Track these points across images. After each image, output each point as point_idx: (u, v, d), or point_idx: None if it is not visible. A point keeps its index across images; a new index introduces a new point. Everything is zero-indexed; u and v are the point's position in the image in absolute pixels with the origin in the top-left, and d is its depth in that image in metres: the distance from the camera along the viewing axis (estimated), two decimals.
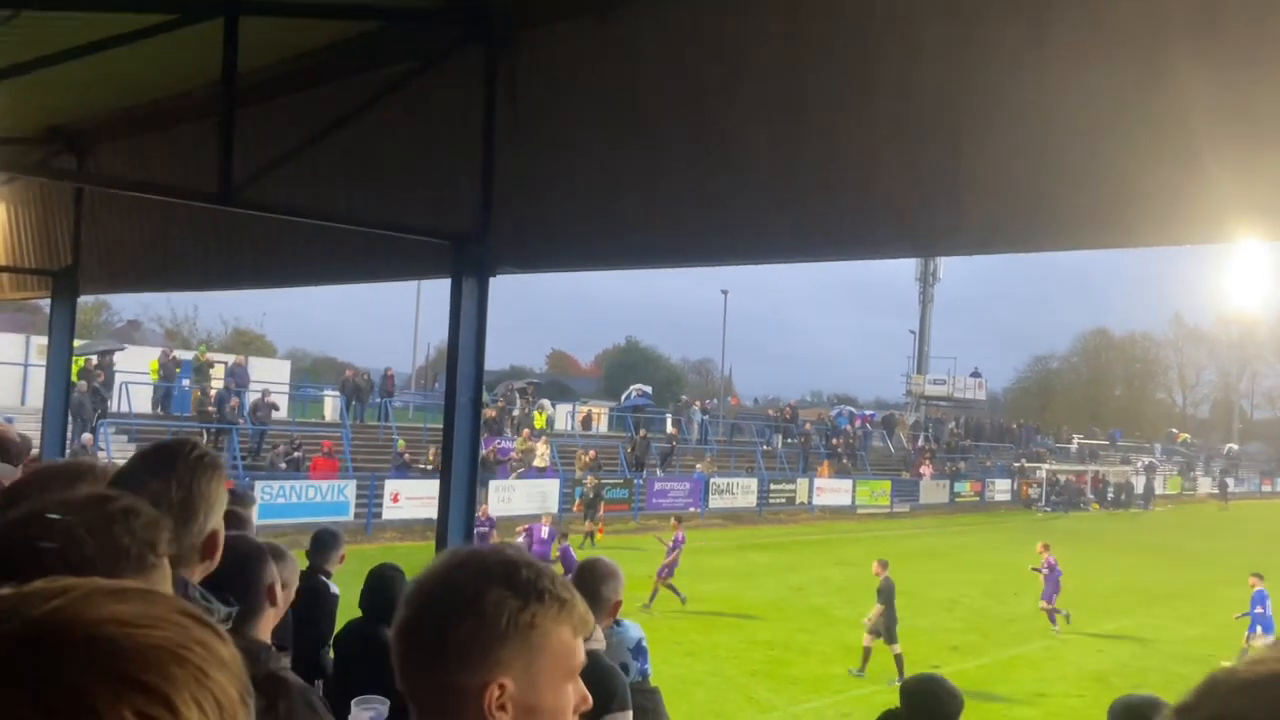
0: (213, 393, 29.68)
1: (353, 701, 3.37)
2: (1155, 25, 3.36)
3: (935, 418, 59.78)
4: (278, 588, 2.75)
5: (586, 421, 43.04)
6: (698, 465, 38.65)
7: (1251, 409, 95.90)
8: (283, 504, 24.90)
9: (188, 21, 5.31)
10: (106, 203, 8.99)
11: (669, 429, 42.83)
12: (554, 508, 28.21)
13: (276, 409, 31.12)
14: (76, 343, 11.60)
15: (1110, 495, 54.10)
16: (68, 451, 13.91)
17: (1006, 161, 3.73)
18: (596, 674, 2.99)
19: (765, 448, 44.90)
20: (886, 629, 15.51)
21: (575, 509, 30.00)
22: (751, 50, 4.49)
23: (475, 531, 7.14)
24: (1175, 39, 3.31)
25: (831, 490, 41.52)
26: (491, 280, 5.85)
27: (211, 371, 32.01)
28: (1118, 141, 3.45)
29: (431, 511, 6.48)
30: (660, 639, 14.24)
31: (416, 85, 5.92)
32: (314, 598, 5.76)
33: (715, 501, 36.75)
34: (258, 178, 5.81)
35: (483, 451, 7.40)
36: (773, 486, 39.72)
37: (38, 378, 15.26)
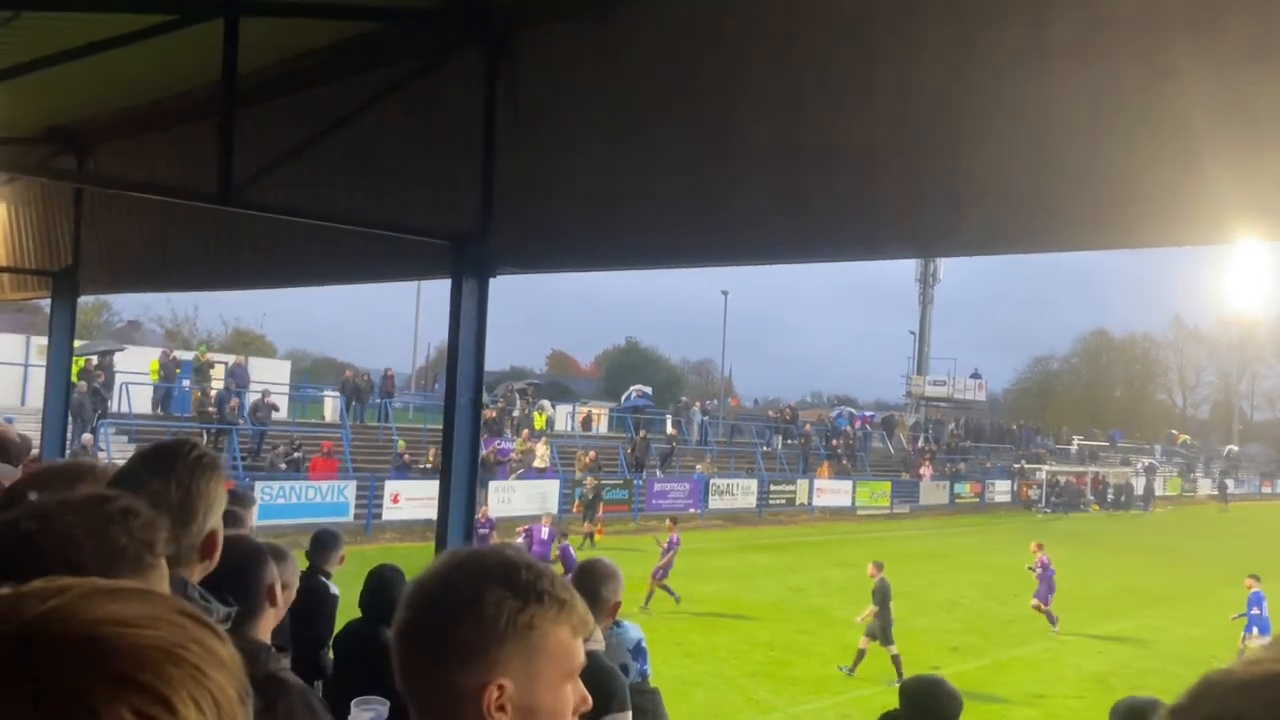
0: (213, 393, 29.68)
1: (353, 703, 3.37)
2: (1155, 25, 3.36)
3: (935, 419, 59.79)
4: (278, 588, 2.75)
5: (586, 422, 43.05)
6: (698, 466, 38.66)
7: (1251, 410, 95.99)
8: (283, 504, 24.91)
9: (188, 22, 5.31)
10: (106, 203, 8.99)
11: (669, 430, 42.83)
12: (554, 508, 28.21)
13: (276, 409, 31.13)
14: (77, 343, 11.60)
15: (1110, 496, 54.10)
16: (68, 452, 13.91)
17: (1006, 162, 3.73)
18: (596, 675, 2.99)
19: (765, 449, 44.92)
20: (882, 630, 15.51)
21: (575, 510, 30.01)
22: (751, 50, 4.49)
23: (476, 534, 7.14)
24: (1175, 39, 3.31)
25: (831, 491, 41.53)
26: (492, 281, 5.85)
27: (212, 372, 32.01)
28: (1118, 142, 3.45)
29: (431, 512, 6.48)
30: (660, 640, 14.25)
31: (417, 86, 5.92)
32: (314, 598, 5.76)
33: (715, 502, 36.75)
34: (258, 178, 5.81)
35: (482, 452, 7.40)
36: (773, 487, 39.72)
37: (38, 378, 15.26)
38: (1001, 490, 51.01)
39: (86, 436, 24.65)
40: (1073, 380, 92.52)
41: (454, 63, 5.77)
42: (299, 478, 27.08)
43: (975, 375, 63.02)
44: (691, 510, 35.65)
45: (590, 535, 27.58)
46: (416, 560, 2.10)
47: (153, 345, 40.75)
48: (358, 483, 27.94)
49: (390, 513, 27.53)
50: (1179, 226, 3.42)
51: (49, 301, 9.97)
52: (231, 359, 34.50)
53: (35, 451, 7.34)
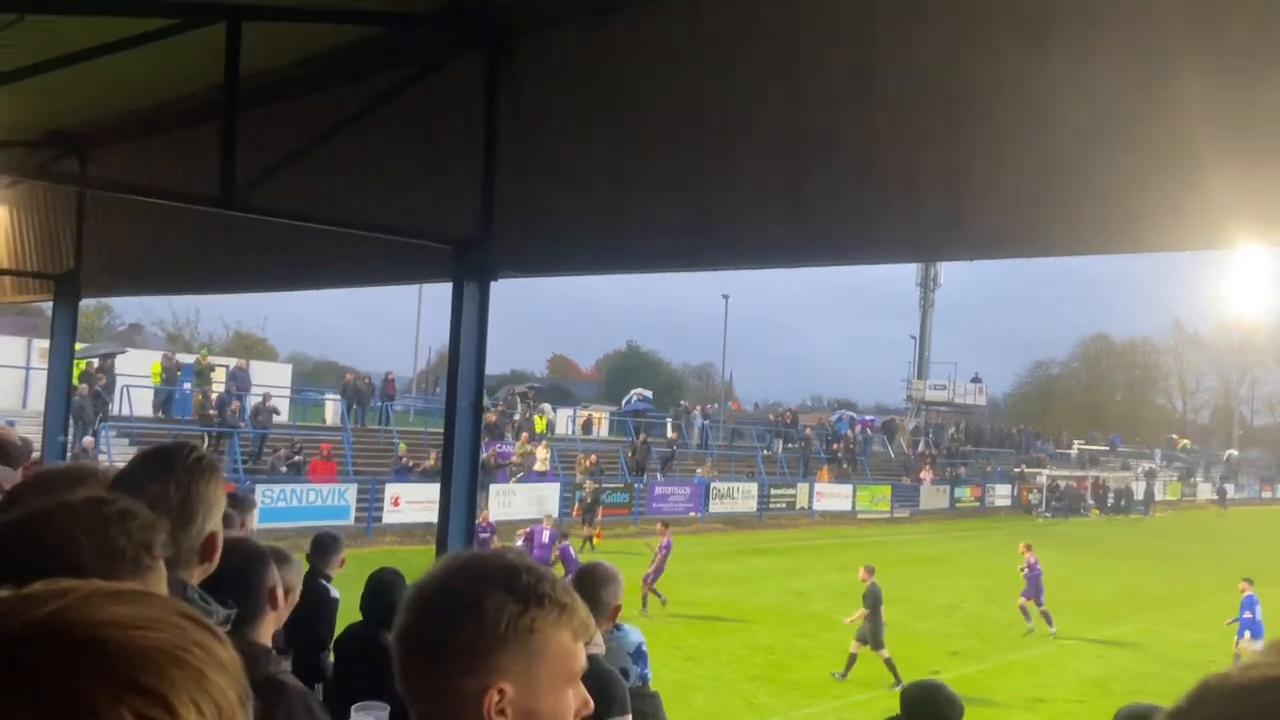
0: (214, 396, 29.68)
1: (353, 708, 3.37)
2: (1156, 32, 3.36)
3: (936, 423, 59.73)
4: (279, 591, 2.75)
5: (587, 426, 43.04)
6: (698, 470, 38.64)
7: (1252, 415, 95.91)
8: (283, 508, 24.89)
9: (190, 26, 5.32)
10: (108, 206, 9.00)
11: (669, 433, 42.80)
12: (554, 512, 28.20)
13: (277, 413, 31.12)
14: (78, 346, 11.60)
15: (1110, 501, 54.06)
16: (69, 455, 13.91)
17: (1007, 166, 3.74)
18: (596, 679, 2.99)
19: (765, 452, 44.89)
20: (873, 635, 15.47)
21: (574, 514, 30.00)
22: (751, 54, 4.50)
23: (477, 538, 7.14)
24: (1176, 45, 3.31)
25: (832, 495, 41.49)
26: (493, 284, 5.85)
27: (213, 375, 32.01)
28: (1118, 147, 3.45)
29: (431, 515, 6.48)
30: (660, 644, 14.24)
31: (417, 90, 5.93)
32: (314, 601, 5.75)
33: (715, 506, 36.72)
34: (259, 182, 5.82)
35: (483, 455, 7.40)
36: (773, 491, 39.69)
37: (39, 381, 15.26)
38: (1002, 494, 50.98)
39: (87, 439, 24.64)
40: (1073, 384, 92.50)
41: (454, 67, 5.78)
42: (300, 481, 27.07)
43: (976, 379, 62.97)
44: (692, 514, 35.63)
45: (589, 539, 27.55)
46: (417, 563, 2.10)
47: (154, 348, 40.73)
48: (358, 486, 27.94)
49: (391, 516, 27.52)
50: (1179, 231, 3.43)
51: (50, 304, 9.98)
52: (233, 362, 34.48)
53: (36, 454, 7.35)
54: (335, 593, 6.27)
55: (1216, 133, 3.22)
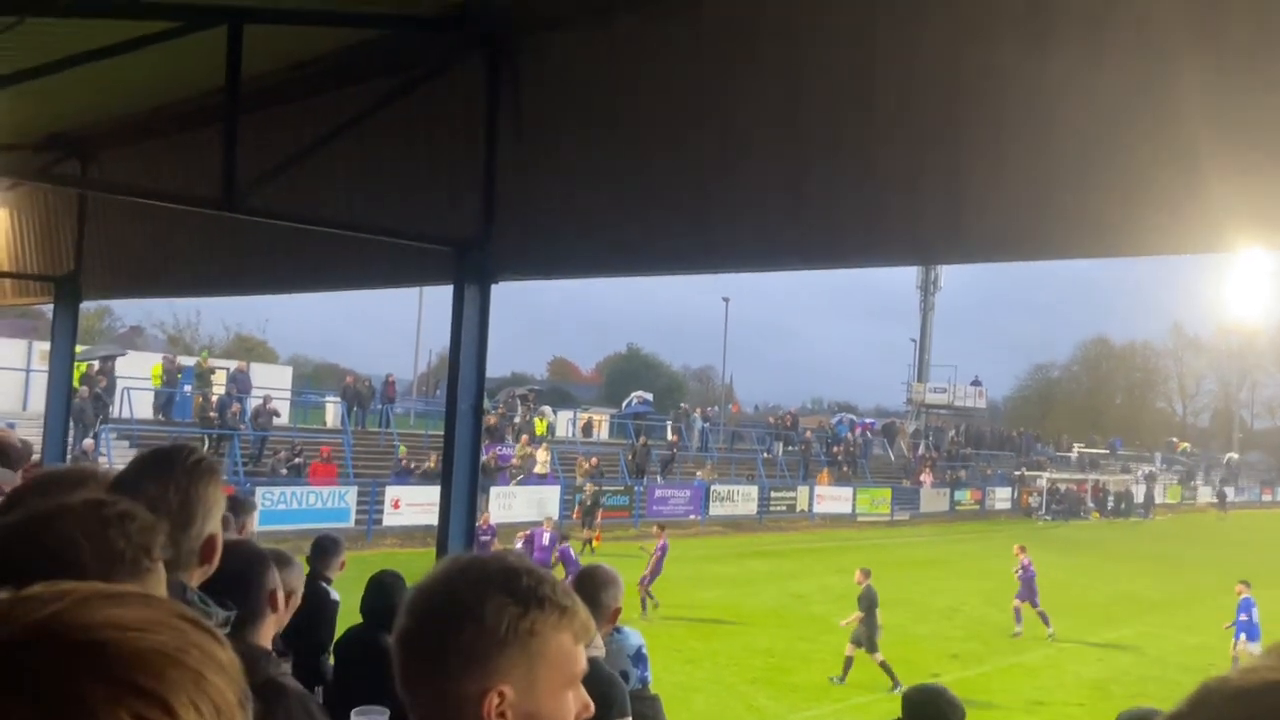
0: (214, 398, 29.69)
1: (353, 712, 3.37)
2: (1156, 35, 3.37)
3: (936, 426, 59.72)
4: (279, 593, 2.75)
5: (587, 428, 43.05)
6: (698, 472, 38.64)
7: (1252, 418, 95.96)
8: (284, 510, 24.91)
9: (191, 29, 5.33)
10: (109, 209, 9.00)
11: (670, 436, 42.81)
12: (555, 514, 28.19)
13: (278, 415, 31.13)
14: (78, 348, 11.60)
15: (1110, 504, 54.06)
16: (69, 457, 13.91)
17: (1008, 170, 3.74)
18: (596, 681, 2.99)
19: (766, 455, 44.89)
20: (868, 638, 15.46)
21: (574, 516, 30.00)
22: (752, 57, 4.50)
23: (477, 540, 7.14)
24: (1176, 48, 3.32)
25: (832, 498, 41.49)
26: (493, 287, 5.86)
27: (213, 377, 32.01)
28: (1119, 150, 3.46)
29: (432, 518, 6.48)
30: (660, 646, 14.23)
31: (418, 92, 5.94)
32: (314, 604, 5.75)
33: (716, 509, 36.72)
34: (260, 184, 5.82)
35: (483, 458, 7.39)
36: (773, 494, 39.68)
37: (40, 383, 15.26)
38: (1002, 497, 50.98)
39: (88, 442, 24.64)
40: (1073, 388, 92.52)
41: (456, 69, 5.78)
42: (300, 483, 27.08)
43: (976, 382, 62.96)
44: (692, 516, 35.63)
45: (589, 541, 27.54)
46: (417, 566, 2.10)
47: (154, 350, 40.74)
48: (358, 488, 27.94)
49: (391, 518, 27.52)
50: (1179, 234, 3.43)
51: (51, 307, 9.99)
52: (233, 364, 34.50)
53: (36, 456, 7.35)
54: (335, 595, 6.27)
55: (1216, 136, 3.22)
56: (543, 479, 32.34)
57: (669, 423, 45.22)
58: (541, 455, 33.12)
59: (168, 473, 2.30)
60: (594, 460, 34.58)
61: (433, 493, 7.29)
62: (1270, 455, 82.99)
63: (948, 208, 3.92)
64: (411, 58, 5.95)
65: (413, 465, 30.11)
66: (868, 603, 15.59)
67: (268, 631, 2.73)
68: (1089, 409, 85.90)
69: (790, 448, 46.35)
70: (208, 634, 0.82)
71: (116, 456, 24.30)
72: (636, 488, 34.61)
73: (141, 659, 0.75)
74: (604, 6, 5.07)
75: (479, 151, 5.71)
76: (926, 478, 47.73)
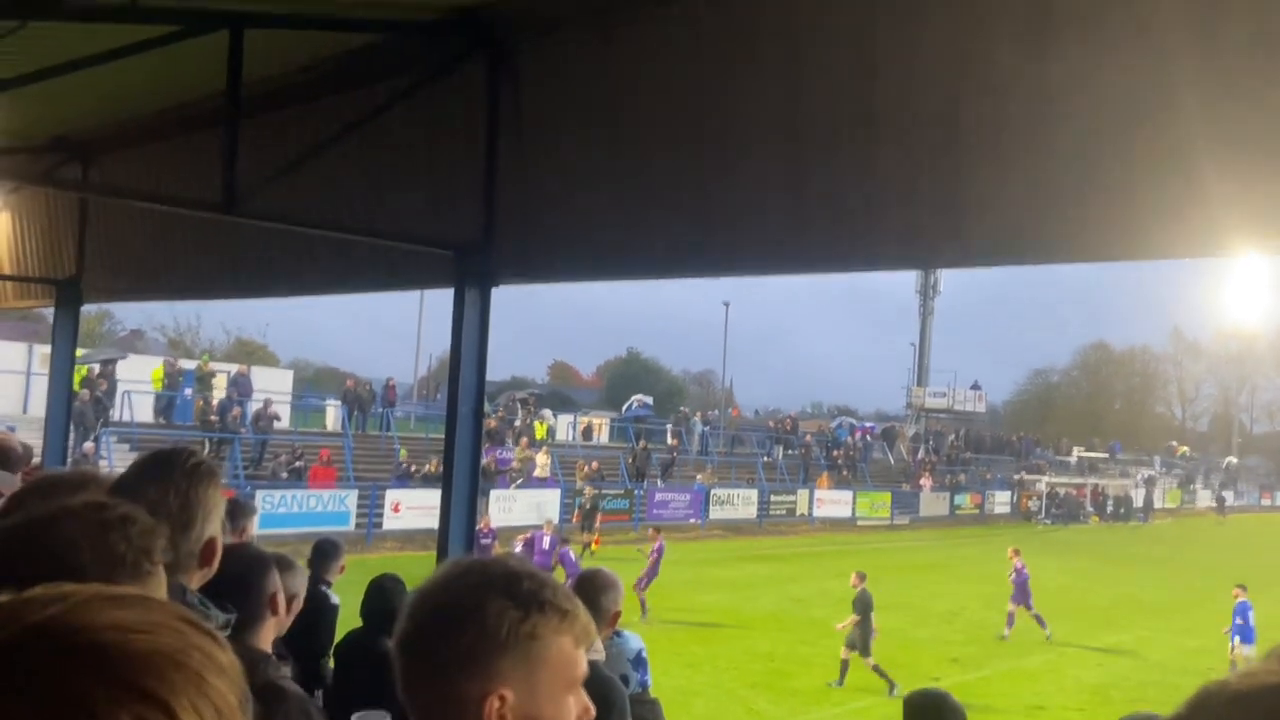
0: (215, 402, 29.69)
1: (354, 716, 3.36)
2: (1156, 40, 3.37)
3: (935, 430, 59.71)
4: (279, 597, 2.75)
5: (588, 432, 43.03)
6: (698, 476, 38.61)
7: (1251, 423, 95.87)
8: (284, 514, 24.88)
9: (193, 33, 5.33)
10: (111, 212, 9.01)
11: (670, 440, 42.80)
12: (555, 518, 28.18)
13: (278, 419, 31.12)
14: (79, 351, 11.61)
15: (1109, 508, 54.04)
16: (69, 460, 13.91)
17: (1007, 175, 3.75)
18: (596, 685, 2.99)
19: (766, 459, 44.87)
20: (862, 641, 15.43)
21: (574, 520, 29.98)
22: (753, 61, 4.51)
23: (478, 544, 7.14)
24: (1176, 53, 3.32)
25: (832, 502, 41.47)
26: (494, 290, 5.86)
27: (214, 381, 32.01)
28: (1118, 154, 3.46)
29: (432, 521, 6.47)
30: (660, 650, 14.22)
31: (420, 96, 5.94)
32: (314, 607, 5.74)
33: (716, 513, 36.69)
34: (261, 188, 5.83)
35: (483, 461, 7.39)
36: (773, 498, 39.66)
37: (40, 386, 15.27)
38: (1001, 501, 50.97)
39: (88, 445, 24.63)
40: (1072, 392, 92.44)
41: (456, 73, 5.79)
42: (300, 487, 27.07)
43: (975, 387, 62.96)
44: (692, 520, 35.61)
45: (587, 545, 27.52)
46: (417, 569, 2.10)
47: (155, 354, 40.72)
48: (359, 492, 27.92)
49: (391, 522, 27.50)
50: (1178, 239, 3.43)
51: (52, 310, 9.99)
52: (234, 368, 34.47)
53: (37, 460, 7.35)
54: (335, 599, 6.26)
55: (1216, 140, 3.22)
56: (543, 482, 32.33)
57: (669, 426, 45.22)
58: (541, 459, 33.11)
59: (168, 476, 2.30)
60: (594, 464, 34.57)
61: (433, 496, 7.28)
62: (1269, 459, 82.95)
63: (948, 212, 3.93)
64: (412, 62, 5.96)
65: (413, 469, 30.10)
66: (863, 606, 15.58)
67: (267, 635, 2.73)
68: (1088, 413, 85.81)
69: (790, 451, 46.34)
70: (209, 636, 0.82)
71: (117, 460, 24.29)
72: (636, 491, 34.60)
73: (143, 661, 0.75)
74: (604, 10, 5.08)
75: (479, 155, 5.71)
76: (926, 482, 47.73)
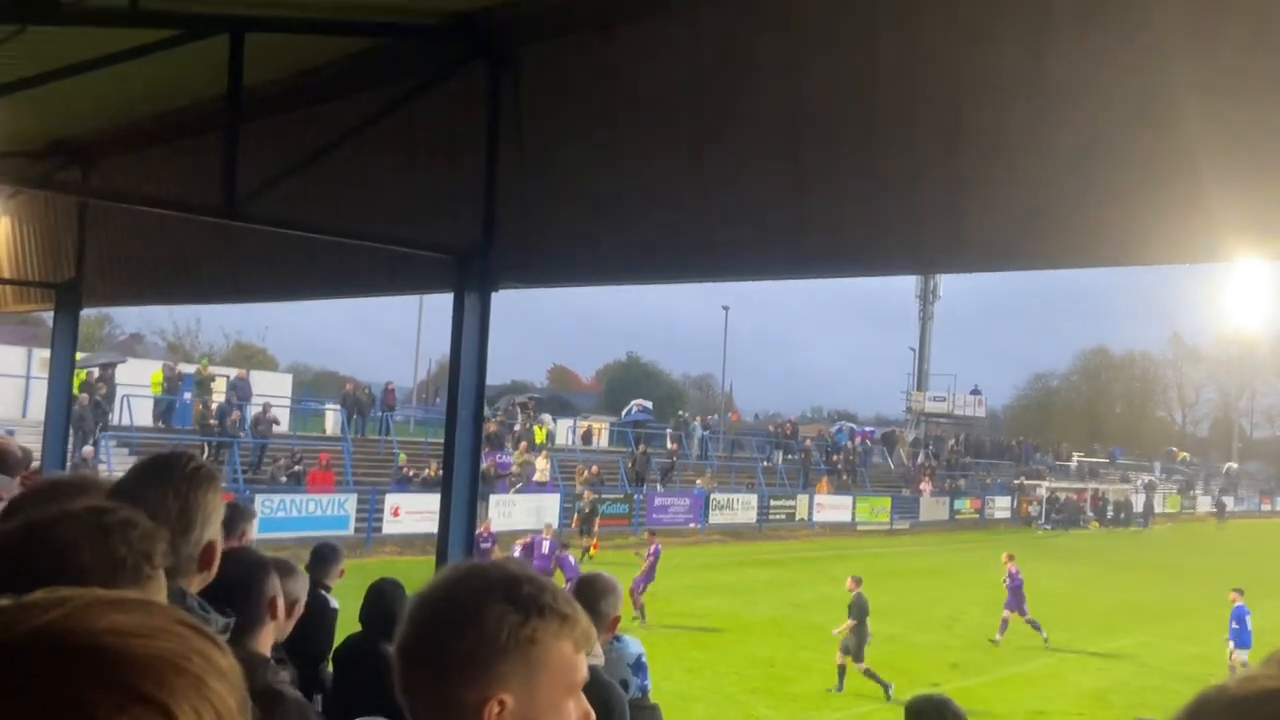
0: (214, 406, 29.68)
1: None
2: (1155, 45, 3.38)
3: (935, 435, 59.72)
4: (279, 601, 2.75)
5: (587, 436, 43.04)
6: (698, 481, 38.62)
7: (1251, 428, 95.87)
8: (283, 518, 24.87)
9: (193, 37, 5.34)
10: (110, 216, 9.01)
11: (669, 444, 42.79)
12: (554, 522, 28.17)
13: (278, 423, 31.13)
14: (78, 355, 11.60)
15: (1110, 513, 54.03)
16: (68, 464, 13.91)
17: (1007, 180, 3.75)
18: (595, 690, 2.99)
19: (765, 464, 44.87)
20: (856, 646, 15.43)
21: (573, 525, 29.97)
22: (753, 66, 4.51)
23: (478, 548, 7.13)
24: (1175, 58, 3.32)
25: (832, 507, 41.47)
26: (494, 295, 5.86)
27: (213, 385, 32.00)
28: (1117, 160, 3.46)
29: (431, 526, 6.47)
30: (660, 655, 14.21)
31: (420, 100, 5.95)
32: (313, 612, 5.73)
33: (715, 517, 36.69)
34: (261, 192, 5.83)
35: (482, 465, 7.39)
36: (773, 503, 39.67)
37: (39, 390, 15.28)
38: (1001, 506, 50.95)
39: (87, 449, 24.63)
40: (1073, 397, 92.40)
41: (457, 78, 5.79)
42: (299, 491, 27.06)
43: (975, 391, 62.97)
44: (692, 525, 35.61)
45: (585, 549, 27.50)
46: (416, 574, 2.10)
47: (154, 358, 40.76)
48: (358, 496, 27.91)
49: (390, 526, 27.49)
50: (1179, 244, 3.43)
51: (52, 314, 9.99)
52: (233, 372, 34.47)
53: (36, 464, 7.34)
54: (334, 603, 6.26)
55: (1216, 145, 3.23)
56: (542, 487, 32.31)
57: (669, 431, 45.20)
58: (541, 463, 33.10)
59: (167, 480, 2.30)
60: (594, 468, 34.57)
61: (432, 500, 7.27)
62: (1270, 465, 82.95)
63: (948, 217, 3.93)
64: (413, 66, 5.97)
65: (412, 473, 30.09)
66: (859, 610, 15.58)
67: (266, 639, 2.73)
68: (1088, 418, 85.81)
69: (790, 456, 46.33)
70: (209, 640, 0.82)
71: (116, 464, 24.28)
72: (636, 496, 34.59)
73: (144, 665, 0.75)
74: (604, 15, 5.08)
75: (480, 159, 5.72)
76: (926, 486, 47.71)
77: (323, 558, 6.44)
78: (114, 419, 28.50)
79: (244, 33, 5.26)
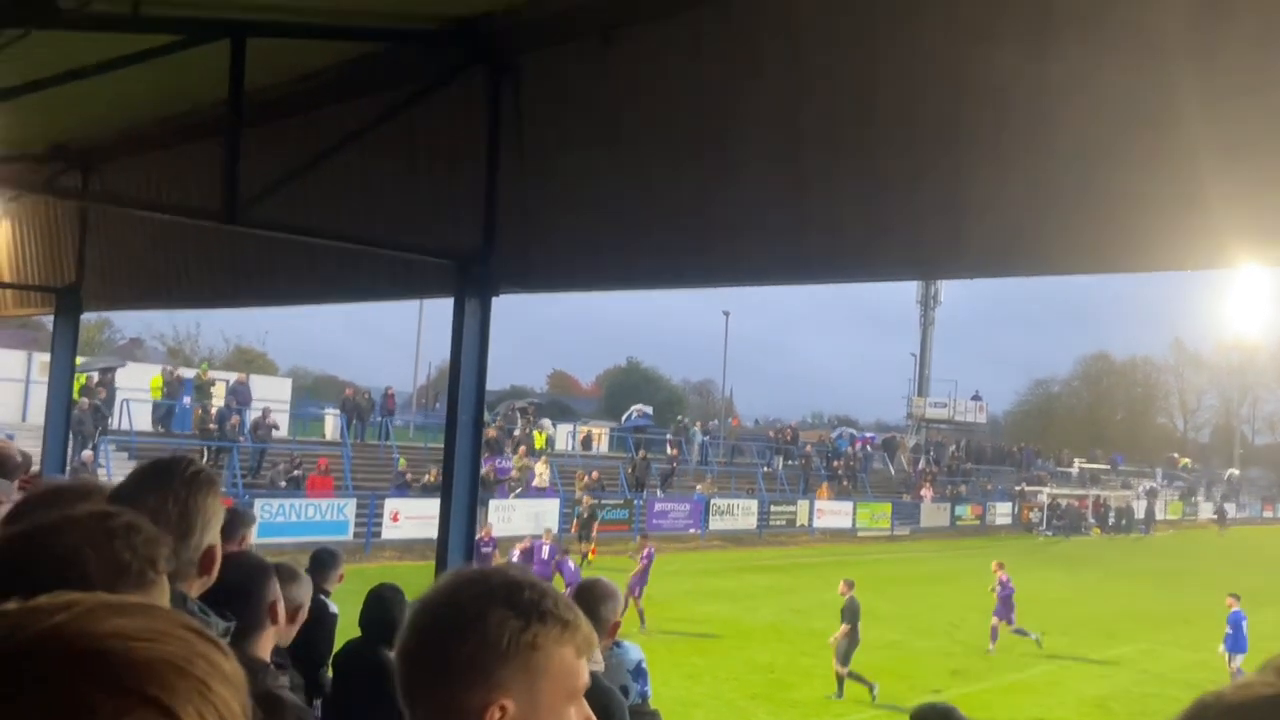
0: (214, 410, 29.68)
1: None
2: (1156, 50, 3.38)
3: (936, 440, 59.67)
4: (279, 605, 2.75)
5: (587, 442, 43.04)
6: (698, 486, 38.60)
7: (1253, 434, 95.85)
8: (282, 523, 24.86)
9: (194, 43, 5.35)
10: (111, 220, 9.02)
11: (669, 450, 42.76)
12: (554, 527, 28.14)
13: (277, 427, 31.12)
14: (78, 360, 11.61)
15: (1111, 519, 53.98)
16: (68, 469, 13.90)
17: (1008, 186, 3.75)
18: (595, 696, 2.99)
19: (766, 469, 44.85)
20: (845, 649, 15.41)
21: (572, 530, 29.95)
22: (754, 73, 4.52)
23: (478, 552, 7.13)
24: (1176, 64, 3.33)
25: (832, 512, 41.43)
26: (494, 300, 5.87)
27: (213, 389, 32.01)
28: (1118, 166, 3.47)
29: (431, 531, 6.47)
30: (660, 661, 14.19)
31: (420, 106, 5.96)
32: (313, 617, 5.73)
33: (715, 523, 36.67)
34: (262, 197, 5.84)
35: (481, 470, 7.39)
36: (773, 508, 39.63)
37: (39, 394, 15.28)
38: (1002, 512, 50.91)
39: (87, 453, 24.63)
40: (1074, 403, 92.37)
41: (458, 83, 5.80)
42: (299, 496, 27.05)
43: (976, 397, 62.95)
44: (692, 531, 35.58)
45: (584, 555, 27.48)
46: (416, 579, 2.10)
47: (154, 362, 40.73)
48: (357, 501, 27.90)
49: (390, 531, 27.48)
50: (1180, 250, 3.44)
51: (52, 318, 10.00)
52: (233, 376, 34.49)
53: (35, 468, 7.33)
54: (334, 608, 6.25)
55: (1217, 151, 3.23)
56: (542, 492, 32.30)
57: (669, 436, 45.18)
58: (541, 468, 33.09)
59: (167, 484, 2.31)
60: (594, 474, 34.57)
61: (432, 505, 7.27)
62: (1271, 471, 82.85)
63: (947, 222, 3.94)
64: (413, 72, 5.97)
65: (412, 478, 30.08)
66: (851, 614, 15.56)
67: (267, 643, 2.73)
68: (1090, 424, 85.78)
69: (790, 462, 46.31)
70: (213, 644, 0.82)
71: (115, 468, 24.28)
72: (636, 501, 34.57)
73: (148, 668, 0.76)
74: (605, 21, 5.09)
75: (480, 165, 5.73)
76: (927, 492, 47.67)
77: (322, 563, 6.44)
78: (113, 423, 28.51)
79: (245, 38, 5.27)
